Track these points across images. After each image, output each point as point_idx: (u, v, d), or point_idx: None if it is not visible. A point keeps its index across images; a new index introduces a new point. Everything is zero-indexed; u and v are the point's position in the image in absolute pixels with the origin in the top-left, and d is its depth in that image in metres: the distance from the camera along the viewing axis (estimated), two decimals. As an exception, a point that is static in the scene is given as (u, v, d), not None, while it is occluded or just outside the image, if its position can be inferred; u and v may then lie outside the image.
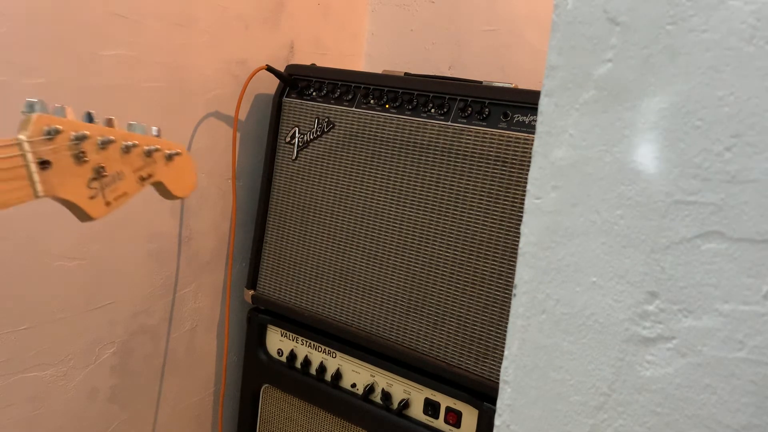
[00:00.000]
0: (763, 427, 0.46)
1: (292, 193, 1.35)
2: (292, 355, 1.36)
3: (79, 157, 0.68)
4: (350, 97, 1.29)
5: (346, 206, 1.28)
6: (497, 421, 0.60)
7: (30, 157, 0.63)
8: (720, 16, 0.46)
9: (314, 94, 1.33)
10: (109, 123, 0.73)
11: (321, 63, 1.50)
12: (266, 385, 1.42)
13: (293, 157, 1.35)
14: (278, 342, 1.40)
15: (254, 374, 1.43)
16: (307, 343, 1.35)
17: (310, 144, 1.32)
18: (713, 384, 0.47)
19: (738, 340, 0.46)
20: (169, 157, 0.79)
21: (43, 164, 0.65)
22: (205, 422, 1.50)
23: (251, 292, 1.41)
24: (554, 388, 0.56)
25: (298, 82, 1.36)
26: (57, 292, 1.15)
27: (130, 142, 0.74)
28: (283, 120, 1.36)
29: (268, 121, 1.39)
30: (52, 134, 0.65)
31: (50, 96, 1.06)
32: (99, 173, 0.71)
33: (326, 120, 1.30)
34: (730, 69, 0.46)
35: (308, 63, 1.43)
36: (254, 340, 1.42)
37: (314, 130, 1.32)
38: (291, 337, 1.37)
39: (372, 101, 1.26)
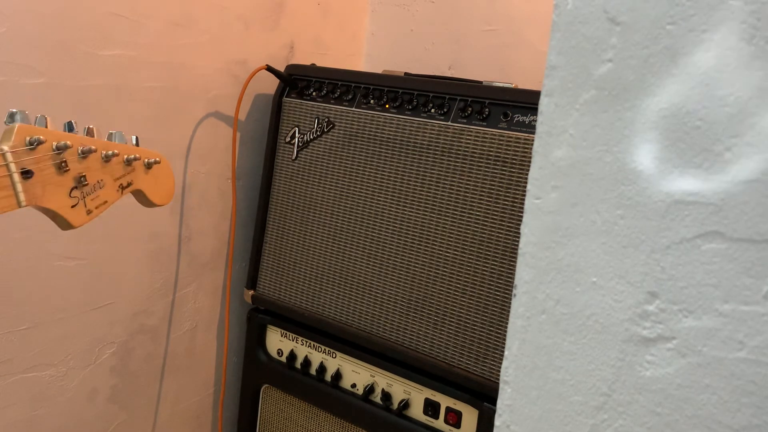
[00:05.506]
0: (763, 427, 0.46)
1: (292, 193, 1.35)
2: (292, 356, 1.36)
3: (61, 167, 0.68)
4: (350, 97, 1.29)
5: (346, 206, 1.28)
6: (497, 422, 0.59)
7: (13, 167, 0.63)
8: (720, 16, 0.46)
9: (314, 94, 1.33)
10: (90, 132, 0.73)
11: (321, 63, 1.50)
12: (266, 385, 1.42)
13: (293, 157, 1.35)
14: (278, 342, 1.40)
15: (254, 374, 1.43)
16: (307, 344, 1.35)
17: (310, 144, 1.32)
18: (713, 384, 0.47)
19: (738, 340, 0.46)
20: (149, 166, 0.80)
21: (26, 174, 0.65)
22: (205, 422, 1.50)
23: (251, 292, 1.41)
24: (554, 388, 0.55)
25: (298, 82, 1.36)
26: (57, 292, 1.15)
27: (110, 151, 0.74)
28: (283, 120, 1.36)
29: (268, 121, 1.39)
30: (35, 144, 0.65)
31: (50, 96, 1.06)
32: (80, 182, 0.71)
33: (326, 120, 1.30)
34: (730, 69, 0.46)
35: (308, 63, 1.43)
36: (254, 340, 1.42)
37: (314, 130, 1.32)
38: (291, 338, 1.37)
39: (372, 101, 1.26)
